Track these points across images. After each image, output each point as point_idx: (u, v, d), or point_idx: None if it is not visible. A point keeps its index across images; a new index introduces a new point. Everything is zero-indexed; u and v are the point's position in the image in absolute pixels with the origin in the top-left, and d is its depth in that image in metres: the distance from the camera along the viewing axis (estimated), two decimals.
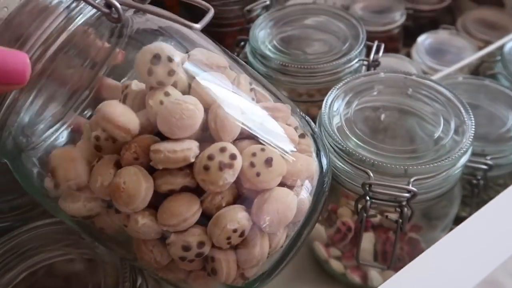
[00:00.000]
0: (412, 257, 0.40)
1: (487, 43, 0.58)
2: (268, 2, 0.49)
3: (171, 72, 0.22)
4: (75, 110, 0.23)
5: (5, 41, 0.20)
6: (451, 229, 0.33)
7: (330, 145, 0.32)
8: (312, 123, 0.30)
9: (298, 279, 0.43)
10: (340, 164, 0.32)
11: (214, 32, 0.56)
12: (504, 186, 0.42)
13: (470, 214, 0.44)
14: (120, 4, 0.22)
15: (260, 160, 0.22)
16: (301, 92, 0.43)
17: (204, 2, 0.25)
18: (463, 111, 0.32)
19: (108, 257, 0.26)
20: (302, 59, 0.40)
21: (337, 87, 0.35)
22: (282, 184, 0.23)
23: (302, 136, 0.26)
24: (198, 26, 0.23)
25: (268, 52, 0.40)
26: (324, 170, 0.26)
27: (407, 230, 0.40)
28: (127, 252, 0.25)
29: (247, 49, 0.42)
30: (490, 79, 0.47)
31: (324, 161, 0.27)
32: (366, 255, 0.41)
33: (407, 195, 0.28)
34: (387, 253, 0.40)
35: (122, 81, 0.25)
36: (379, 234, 0.40)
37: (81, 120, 0.24)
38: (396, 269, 0.40)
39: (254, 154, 0.22)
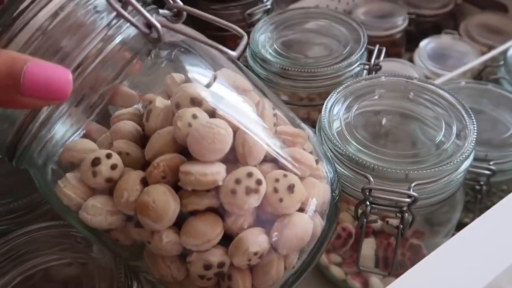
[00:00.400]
0: (414, 264, 0.40)
1: (490, 48, 0.57)
2: (269, 6, 0.49)
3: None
4: (88, 116, 0.23)
5: (44, 55, 0.20)
6: (453, 235, 0.33)
7: (330, 149, 0.31)
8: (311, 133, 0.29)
9: (298, 285, 0.42)
10: (340, 168, 0.31)
11: (214, 36, 0.56)
12: (507, 192, 0.42)
13: (473, 220, 0.43)
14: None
15: (283, 186, 0.23)
16: (302, 96, 0.43)
17: (238, 29, 0.25)
18: (465, 115, 0.32)
19: (103, 261, 0.26)
20: (303, 62, 0.40)
21: (337, 91, 0.35)
22: (299, 209, 0.24)
23: (317, 161, 0.26)
24: (235, 54, 0.24)
25: (268, 56, 0.40)
26: (334, 193, 0.27)
27: (408, 236, 0.39)
28: (139, 261, 0.25)
29: (248, 53, 0.42)
30: (493, 84, 0.46)
31: (333, 178, 0.27)
32: (367, 262, 0.41)
33: (408, 200, 0.28)
34: (388, 259, 0.39)
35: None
36: (380, 240, 0.40)
37: (93, 126, 0.24)
38: (397, 275, 0.39)
39: (277, 180, 0.23)
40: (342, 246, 0.41)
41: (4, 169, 0.32)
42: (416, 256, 0.39)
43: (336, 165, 0.31)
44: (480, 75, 0.52)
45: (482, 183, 0.40)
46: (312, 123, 0.47)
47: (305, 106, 0.43)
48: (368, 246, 0.41)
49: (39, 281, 0.27)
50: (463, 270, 0.25)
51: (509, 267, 0.25)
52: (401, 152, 0.31)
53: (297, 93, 0.43)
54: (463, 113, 0.32)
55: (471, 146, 0.30)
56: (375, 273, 0.37)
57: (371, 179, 0.29)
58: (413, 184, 0.28)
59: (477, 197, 0.41)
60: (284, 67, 0.39)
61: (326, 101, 0.34)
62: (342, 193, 0.33)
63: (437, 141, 0.31)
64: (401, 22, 0.63)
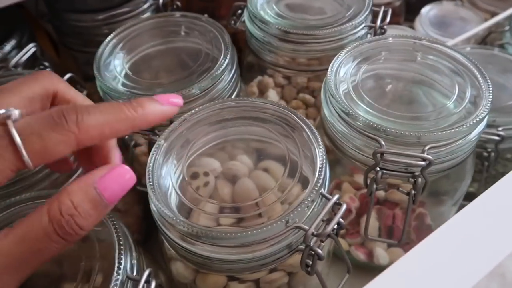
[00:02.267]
0: (419, 233, 0.39)
1: (493, 14, 0.55)
2: None
3: None
4: None
5: None
6: (462, 205, 0.31)
7: (337, 113, 0.29)
8: None
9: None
10: (348, 132, 0.29)
11: (208, 1, 0.54)
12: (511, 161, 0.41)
13: (478, 190, 0.42)
14: None
15: None
16: (301, 62, 0.41)
17: None
18: (479, 76, 0.30)
19: (104, 235, 0.24)
20: (305, 24, 0.38)
21: (344, 52, 0.33)
22: None
23: None
24: None
25: (268, 18, 0.38)
26: None
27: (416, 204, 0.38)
28: None
29: (245, 14, 0.40)
30: (499, 49, 0.45)
31: None
32: (370, 232, 0.39)
33: (422, 163, 0.26)
34: (392, 229, 0.38)
35: None
36: (384, 210, 0.39)
37: None
38: (405, 245, 0.38)
39: None
40: (345, 217, 0.40)
41: None
42: (422, 225, 0.38)
43: (344, 129, 0.30)
44: (484, 41, 0.50)
45: (489, 150, 0.39)
46: (311, 93, 0.45)
47: (304, 71, 0.41)
48: (371, 217, 0.39)
49: None
50: (474, 243, 0.24)
51: None
52: (412, 114, 0.29)
53: (296, 58, 0.40)
54: (477, 74, 0.30)
55: (487, 109, 0.28)
56: (384, 242, 0.36)
57: (383, 142, 0.27)
58: (427, 147, 0.27)
59: (483, 164, 0.40)
60: (284, 29, 0.37)
61: (332, 63, 0.32)
62: (349, 160, 0.32)
63: (449, 104, 0.30)
64: None
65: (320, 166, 0.25)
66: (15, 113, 0.18)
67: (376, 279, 0.22)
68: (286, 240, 0.24)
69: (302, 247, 0.26)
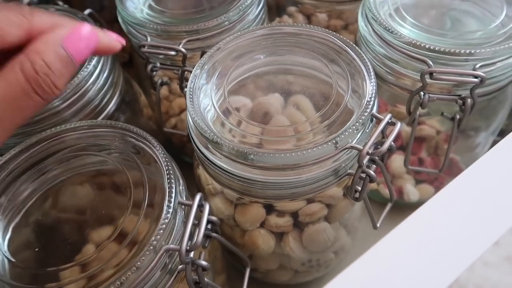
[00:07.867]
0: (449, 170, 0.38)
1: None
2: None
3: None
4: None
5: None
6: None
7: (379, 36, 0.28)
8: None
9: None
10: (391, 54, 0.28)
11: None
12: None
13: (507, 126, 0.42)
14: None
15: None
16: None
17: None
18: None
19: (149, 161, 0.22)
20: None
21: None
22: None
23: None
24: None
25: None
26: None
27: (441, 140, 0.37)
28: None
29: None
30: None
31: None
32: (396, 169, 0.39)
33: (476, 80, 0.25)
34: (421, 165, 0.38)
35: None
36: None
37: None
38: (433, 182, 0.38)
39: None
40: None
41: None
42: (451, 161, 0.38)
43: (386, 53, 0.28)
44: None
45: None
46: (333, 29, 0.43)
47: (329, 2, 0.40)
48: (397, 155, 0.39)
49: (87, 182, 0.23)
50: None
51: None
52: (458, 33, 0.28)
53: None
54: None
55: None
56: (426, 171, 0.35)
57: (430, 62, 0.26)
58: (478, 65, 0.25)
59: None
60: None
61: None
62: (388, 87, 0.30)
63: (494, 25, 0.28)
64: None
65: (371, 87, 0.24)
66: None
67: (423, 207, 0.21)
68: (335, 163, 0.24)
69: (352, 171, 0.25)
